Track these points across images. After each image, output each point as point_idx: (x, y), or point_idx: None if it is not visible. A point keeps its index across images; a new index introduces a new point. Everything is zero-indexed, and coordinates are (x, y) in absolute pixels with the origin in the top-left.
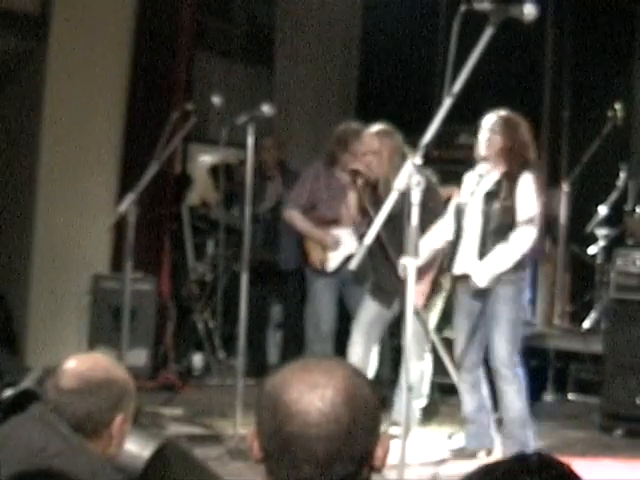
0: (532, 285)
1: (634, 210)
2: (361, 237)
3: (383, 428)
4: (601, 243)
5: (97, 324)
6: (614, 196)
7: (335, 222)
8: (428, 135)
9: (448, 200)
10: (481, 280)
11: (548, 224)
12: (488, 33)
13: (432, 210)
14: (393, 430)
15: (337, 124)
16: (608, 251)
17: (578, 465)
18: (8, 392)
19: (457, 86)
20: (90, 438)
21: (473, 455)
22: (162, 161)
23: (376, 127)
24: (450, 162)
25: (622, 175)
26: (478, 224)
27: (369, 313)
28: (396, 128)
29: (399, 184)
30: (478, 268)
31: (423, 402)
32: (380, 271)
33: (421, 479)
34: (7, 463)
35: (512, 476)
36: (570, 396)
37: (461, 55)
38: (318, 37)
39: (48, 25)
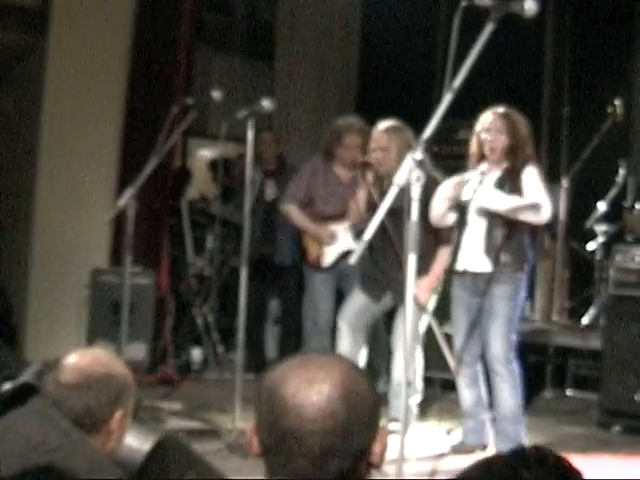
0: (531, 281)
1: (633, 206)
2: (360, 232)
3: (381, 424)
4: (600, 239)
5: (96, 318)
6: (613, 192)
7: (333, 217)
8: (428, 131)
9: None
10: (485, 200)
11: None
12: (489, 29)
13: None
14: (392, 426)
15: (337, 119)
16: (607, 247)
17: (576, 461)
18: (7, 386)
19: (457, 82)
20: (89, 433)
21: (471, 450)
22: (162, 155)
23: (386, 123)
24: (449, 157)
25: (621, 171)
26: (483, 221)
27: (356, 304)
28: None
29: (399, 179)
30: (490, 192)
31: (418, 398)
32: (377, 265)
33: (420, 474)
34: (6, 457)
35: (511, 470)
36: (568, 392)
37: (461, 50)
38: (318, 32)
39: (48, 20)
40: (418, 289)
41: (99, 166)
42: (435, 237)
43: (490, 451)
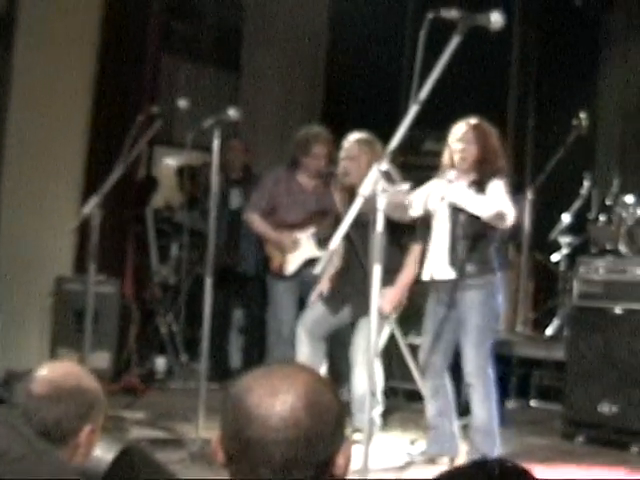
0: None
1: (597, 219)
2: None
3: (346, 435)
4: (564, 251)
5: (60, 326)
6: (578, 204)
7: (295, 226)
8: (394, 141)
9: None
10: (453, 194)
11: (512, 231)
12: (455, 41)
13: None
14: (356, 436)
15: (301, 129)
16: (571, 259)
17: (539, 472)
18: None
19: (423, 93)
20: (57, 445)
21: (433, 460)
22: (127, 164)
23: (358, 134)
24: (415, 168)
25: (586, 184)
26: (447, 231)
27: (315, 313)
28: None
29: (364, 190)
30: (457, 187)
31: (380, 409)
32: (339, 277)
33: None
34: None
35: None
36: (532, 403)
37: (428, 62)
38: (285, 42)
39: (13, 27)
40: (382, 300)
41: (64, 174)
42: (401, 249)
43: (459, 462)
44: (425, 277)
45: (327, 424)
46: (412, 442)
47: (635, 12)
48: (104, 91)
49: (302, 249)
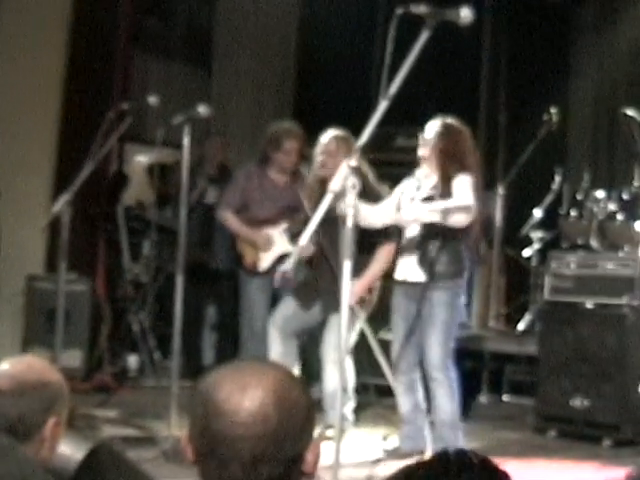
0: (468, 287)
1: (569, 213)
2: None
3: (318, 431)
4: (536, 246)
5: (31, 325)
6: (549, 199)
7: (267, 222)
8: (364, 137)
9: None
10: (410, 213)
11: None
12: (424, 36)
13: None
14: (328, 433)
15: (273, 125)
16: (543, 254)
17: (511, 466)
18: None
19: (393, 89)
20: (22, 441)
21: (407, 456)
22: (97, 161)
23: (334, 131)
24: (386, 164)
25: (557, 178)
26: (417, 230)
27: (286, 309)
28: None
29: (334, 186)
30: (414, 206)
31: (352, 405)
32: (311, 272)
33: (356, 478)
34: None
35: (433, 478)
36: (505, 397)
37: (399, 58)
38: (256, 39)
39: None
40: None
41: (34, 172)
42: (371, 243)
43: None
44: (398, 277)
45: (296, 420)
46: (384, 438)
47: (605, 6)
48: (74, 88)
49: (275, 245)
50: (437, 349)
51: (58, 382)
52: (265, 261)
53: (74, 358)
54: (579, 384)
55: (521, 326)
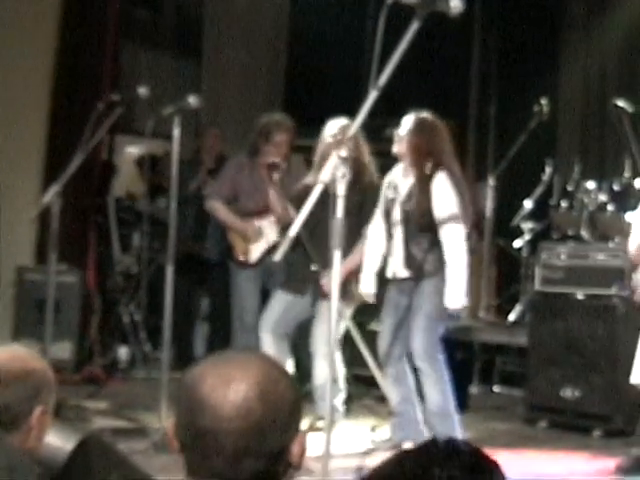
0: None
1: (559, 204)
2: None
3: (308, 422)
4: (527, 237)
5: (21, 317)
6: (540, 190)
7: (257, 213)
8: (354, 127)
9: None
10: (457, 302)
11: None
12: (414, 27)
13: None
14: (319, 424)
15: (263, 116)
16: (533, 245)
17: (502, 456)
18: None
19: (383, 79)
20: (8, 431)
21: (398, 446)
22: (87, 152)
23: (341, 121)
24: (376, 155)
25: (548, 170)
26: (400, 229)
27: (276, 310)
28: (323, 120)
29: (324, 176)
30: (450, 295)
31: (342, 396)
32: (296, 261)
33: (346, 469)
34: None
35: (421, 467)
36: (495, 388)
37: (390, 49)
38: (246, 29)
39: None
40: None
41: (24, 163)
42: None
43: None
44: (389, 274)
45: (281, 414)
46: (373, 429)
47: None
48: (63, 79)
49: (265, 237)
50: (420, 339)
51: (43, 370)
52: (255, 252)
53: (64, 350)
54: (569, 375)
55: (512, 317)
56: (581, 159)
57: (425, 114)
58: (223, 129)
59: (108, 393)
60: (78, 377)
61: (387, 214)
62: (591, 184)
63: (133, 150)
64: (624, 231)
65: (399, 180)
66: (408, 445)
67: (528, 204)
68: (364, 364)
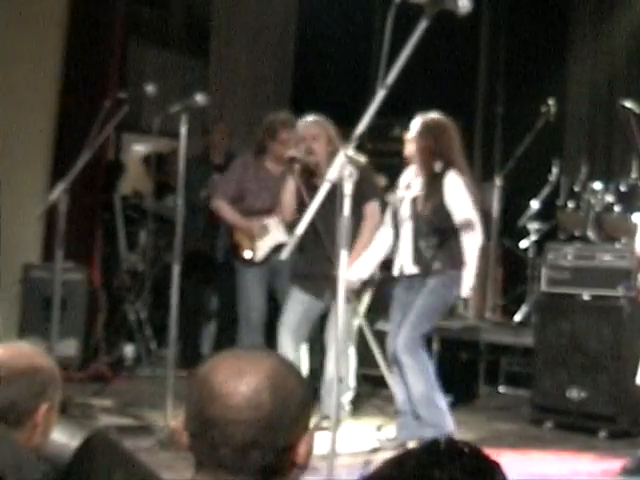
0: None
1: (566, 205)
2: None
3: (313, 421)
4: (533, 237)
5: (27, 314)
6: (546, 191)
7: (263, 212)
8: (361, 127)
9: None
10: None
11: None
12: (422, 26)
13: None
14: (324, 423)
15: (269, 115)
16: (540, 245)
17: (507, 457)
18: None
19: (390, 78)
20: (14, 428)
21: (403, 445)
22: (94, 150)
23: (311, 116)
24: (383, 154)
25: (554, 170)
26: (409, 228)
27: (298, 310)
28: (330, 119)
29: (331, 175)
30: (465, 284)
31: (350, 395)
32: (311, 261)
33: (352, 468)
34: None
35: (422, 469)
36: (501, 389)
37: (397, 48)
38: (254, 28)
39: None
40: None
41: (31, 161)
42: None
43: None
44: (395, 273)
45: (290, 410)
46: (378, 428)
47: None
48: (71, 77)
49: (271, 235)
50: (405, 331)
51: (49, 367)
52: (261, 251)
53: (70, 347)
54: (575, 375)
55: (518, 317)
56: (588, 160)
57: (433, 114)
58: (230, 127)
59: (114, 391)
60: (84, 374)
61: (395, 214)
62: (598, 185)
63: (140, 148)
64: (631, 232)
65: (412, 180)
66: (413, 444)
67: (535, 204)
68: (373, 364)
